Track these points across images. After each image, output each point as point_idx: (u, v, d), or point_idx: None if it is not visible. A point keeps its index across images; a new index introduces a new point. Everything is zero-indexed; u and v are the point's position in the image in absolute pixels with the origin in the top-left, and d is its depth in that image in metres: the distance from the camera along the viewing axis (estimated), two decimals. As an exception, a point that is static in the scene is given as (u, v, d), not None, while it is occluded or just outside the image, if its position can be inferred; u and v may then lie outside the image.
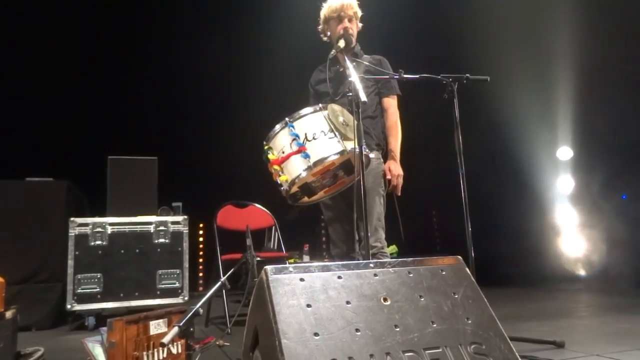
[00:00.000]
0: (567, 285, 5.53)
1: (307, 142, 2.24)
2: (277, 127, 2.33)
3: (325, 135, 2.26)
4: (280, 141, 2.31)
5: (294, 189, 2.33)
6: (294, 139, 2.26)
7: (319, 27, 2.88)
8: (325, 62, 2.68)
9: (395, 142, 2.74)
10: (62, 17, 5.62)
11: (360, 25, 2.87)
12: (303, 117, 2.31)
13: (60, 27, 5.63)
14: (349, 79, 2.21)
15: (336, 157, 2.22)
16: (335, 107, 2.33)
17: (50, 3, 5.54)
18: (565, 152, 6.82)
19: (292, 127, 2.28)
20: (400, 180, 2.69)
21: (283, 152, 2.29)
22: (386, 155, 2.77)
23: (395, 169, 2.67)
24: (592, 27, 5.50)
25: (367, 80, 2.75)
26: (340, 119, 2.29)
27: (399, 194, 2.69)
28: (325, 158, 2.20)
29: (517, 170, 6.46)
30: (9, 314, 2.38)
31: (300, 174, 2.22)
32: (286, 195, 2.37)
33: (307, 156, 2.21)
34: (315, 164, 2.20)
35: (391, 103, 2.81)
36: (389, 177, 2.67)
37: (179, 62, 6.03)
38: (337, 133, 2.26)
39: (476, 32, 5.85)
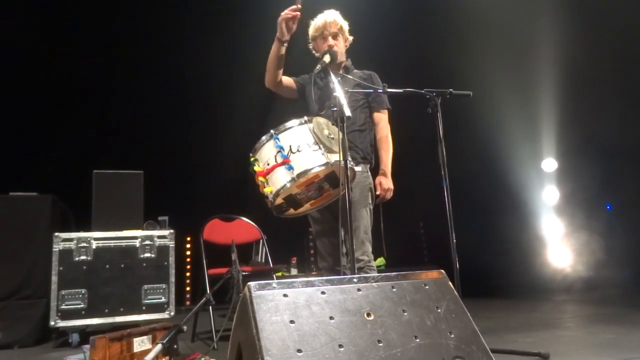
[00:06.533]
0: (553, 296, 5.56)
1: (292, 154, 2.26)
2: (263, 139, 2.35)
3: (309, 147, 2.28)
4: (266, 153, 2.34)
5: (279, 200, 2.35)
6: (279, 151, 2.28)
7: (310, 45, 2.92)
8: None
9: (387, 155, 2.77)
10: (45, 31, 5.60)
11: (350, 38, 2.91)
12: (288, 130, 2.34)
13: (43, 39, 5.61)
14: (334, 93, 2.24)
15: (320, 169, 2.24)
16: (321, 120, 2.35)
17: (34, 16, 5.52)
18: (550, 164, 6.92)
19: (277, 139, 2.31)
20: (390, 194, 2.72)
21: (268, 164, 2.31)
22: (375, 168, 2.79)
23: (385, 183, 2.70)
24: (575, 40, 5.61)
25: (356, 94, 2.78)
26: (326, 132, 2.31)
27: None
28: (309, 170, 2.22)
29: (503, 182, 6.53)
30: (-11, 332, 2.35)
31: (284, 186, 2.24)
32: (271, 207, 2.38)
33: (290, 168, 2.23)
34: (299, 175, 2.22)
35: (382, 117, 2.84)
36: (378, 192, 2.69)
37: (164, 75, 6.02)
38: (321, 146, 2.29)
39: (461, 46, 5.94)
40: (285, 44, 2.63)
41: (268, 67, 2.74)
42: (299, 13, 2.53)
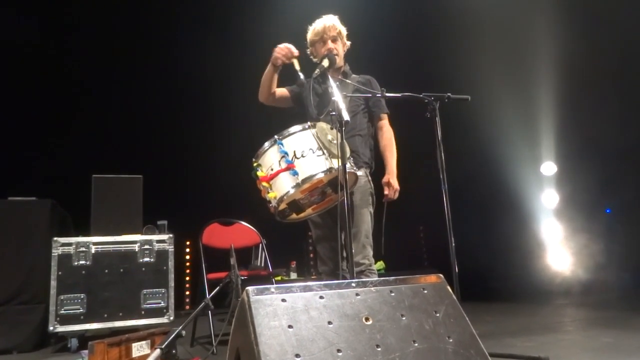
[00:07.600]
0: (552, 299, 5.56)
1: (296, 160, 2.26)
2: (266, 144, 2.35)
3: (313, 153, 2.28)
4: (269, 158, 2.33)
5: (283, 205, 2.35)
6: (283, 157, 2.27)
7: (307, 50, 2.92)
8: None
9: (392, 158, 2.78)
10: (43, 34, 5.61)
11: (348, 43, 2.91)
12: (292, 135, 2.33)
13: (42, 43, 5.62)
14: (332, 98, 2.24)
15: (324, 174, 2.24)
16: (324, 125, 2.35)
17: (33, 19, 5.53)
18: (549, 167, 6.92)
19: (281, 144, 2.30)
20: (397, 195, 2.72)
21: (272, 169, 2.30)
22: (376, 171, 2.80)
23: (394, 183, 2.71)
24: (574, 43, 5.62)
25: (356, 99, 2.79)
26: (329, 137, 2.31)
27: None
28: (314, 175, 2.22)
29: (503, 186, 6.54)
30: (-12, 338, 2.34)
31: (288, 191, 2.23)
32: (274, 212, 2.37)
33: (295, 173, 2.22)
34: (304, 181, 2.22)
35: (384, 121, 2.87)
36: (387, 192, 2.69)
37: (163, 80, 6.02)
38: (325, 151, 2.29)
39: (460, 50, 5.95)
40: (279, 69, 2.68)
41: (262, 85, 2.78)
42: (294, 57, 2.61)
